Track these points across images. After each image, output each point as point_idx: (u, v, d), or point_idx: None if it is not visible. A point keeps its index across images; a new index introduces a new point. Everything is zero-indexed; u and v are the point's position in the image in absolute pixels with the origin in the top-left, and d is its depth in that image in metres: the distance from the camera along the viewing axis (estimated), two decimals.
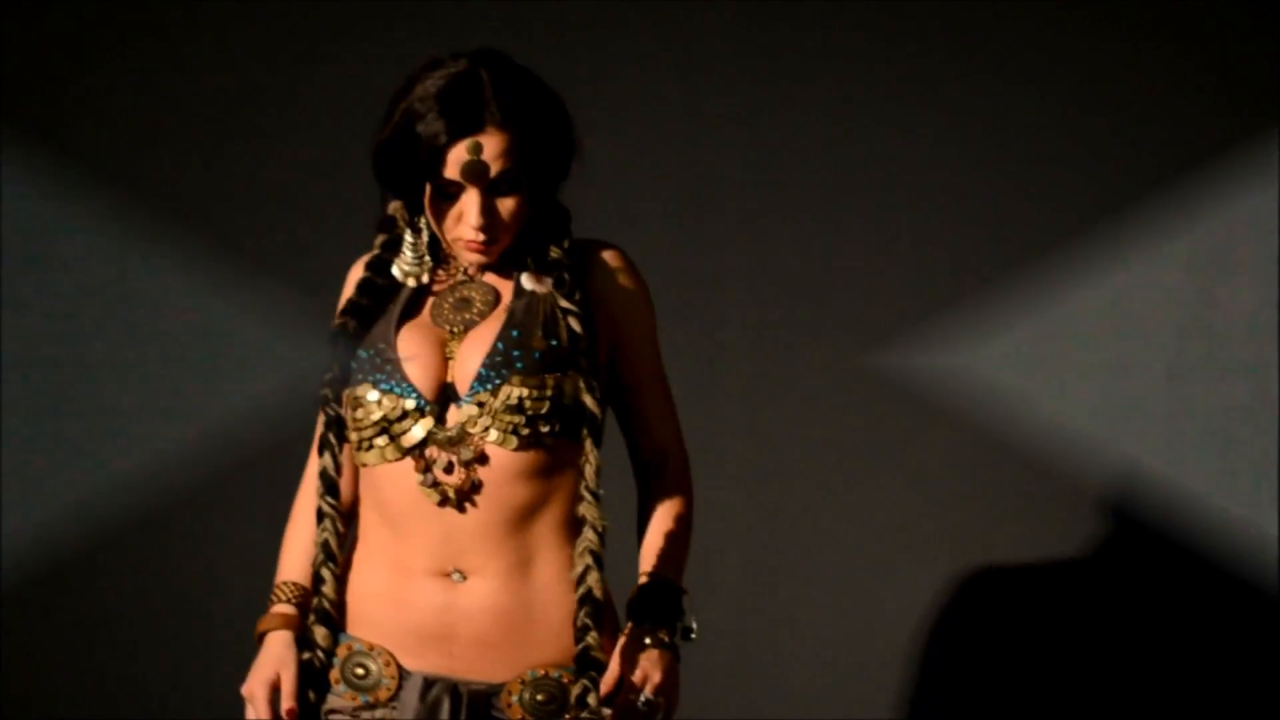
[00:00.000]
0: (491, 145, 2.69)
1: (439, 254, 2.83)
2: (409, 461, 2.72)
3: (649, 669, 2.69)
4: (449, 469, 2.71)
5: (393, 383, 2.74)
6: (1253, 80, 3.83)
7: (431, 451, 2.72)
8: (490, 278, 2.81)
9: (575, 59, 3.91)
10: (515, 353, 2.72)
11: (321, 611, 2.74)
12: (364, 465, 2.76)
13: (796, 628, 3.95)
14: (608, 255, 2.83)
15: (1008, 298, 3.90)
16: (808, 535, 3.95)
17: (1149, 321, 3.84)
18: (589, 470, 2.72)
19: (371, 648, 2.75)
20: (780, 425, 3.97)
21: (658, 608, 2.73)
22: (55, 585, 4.14)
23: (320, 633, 2.74)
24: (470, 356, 2.74)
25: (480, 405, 2.71)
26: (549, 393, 2.71)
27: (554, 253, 2.79)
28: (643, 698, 2.68)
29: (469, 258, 2.78)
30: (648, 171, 4.00)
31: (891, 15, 3.93)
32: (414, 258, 2.80)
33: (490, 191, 2.72)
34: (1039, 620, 3.87)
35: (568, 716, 2.70)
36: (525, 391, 2.71)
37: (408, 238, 2.80)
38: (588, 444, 2.72)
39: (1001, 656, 3.88)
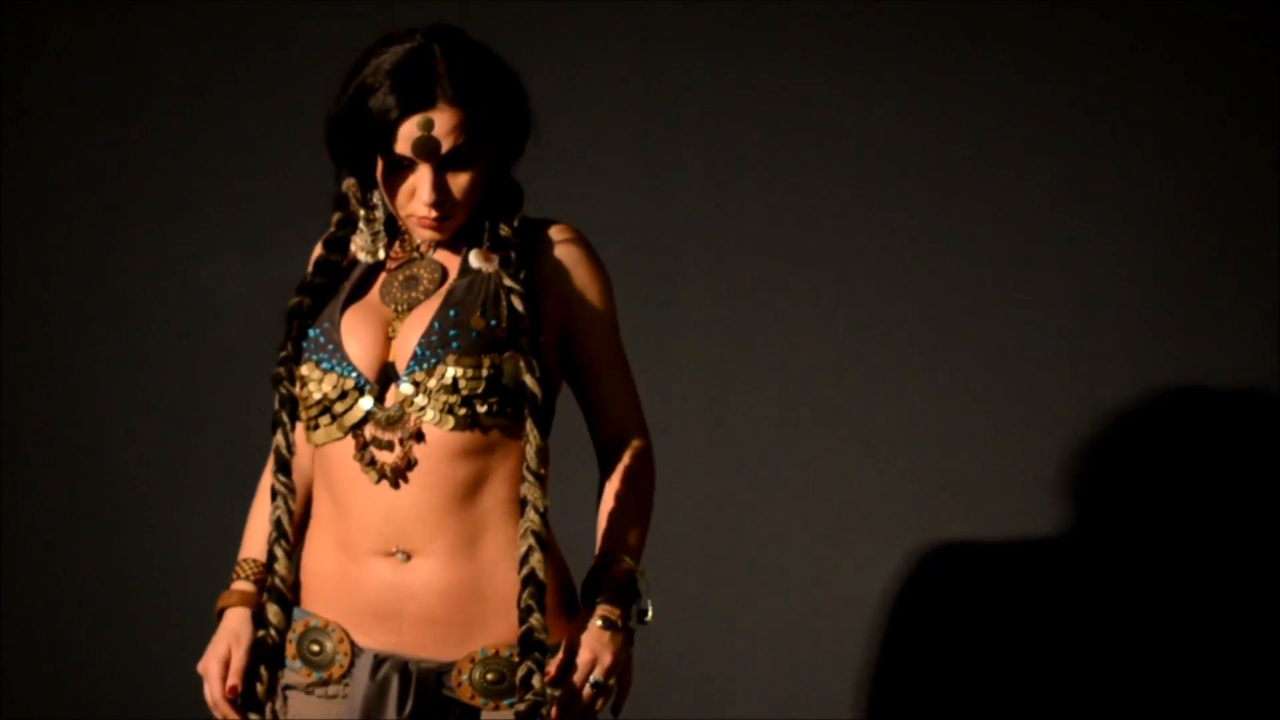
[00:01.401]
0: (443, 121, 2.67)
1: (395, 230, 2.82)
2: (349, 441, 2.72)
3: (598, 650, 2.68)
4: (387, 447, 2.70)
5: (334, 362, 2.73)
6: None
7: (370, 430, 2.71)
8: (440, 255, 2.80)
9: (530, 30, 3.89)
10: (452, 332, 2.70)
11: (274, 589, 2.74)
12: (314, 445, 2.77)
13: (754, 605, 3.93)
14: (559, 234, 2.80)
15: (973, 267, 3.87)
16: (766, 510, 3.93)
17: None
18: (529, 450, 2.69)
19: (326, 624, 2.74)
20: (738, 399, 3.95)
21: (610, 589, 2.71)
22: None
23: (272, 610, 2.74)
24: (409, 336, 2.72)
25: (416, 385, 2.70)
26: (485, 373, 2.69)
27: (504, 230, 2.76)
28: (591, 679, 2.67)
29: (422, 234, 2.76)
30: (605, 144, 3.97)
31: None
32: (369, 234, 2.79)
33: (442, 168, 2.70)
34: (998, 596, 3.85)
35: (515, 697, 2.69)
36: (460, 371, 2.69)
37: (362, 213, 2.79)
38: (529, 424, 2.69)
39: (962, 633, 3.85)
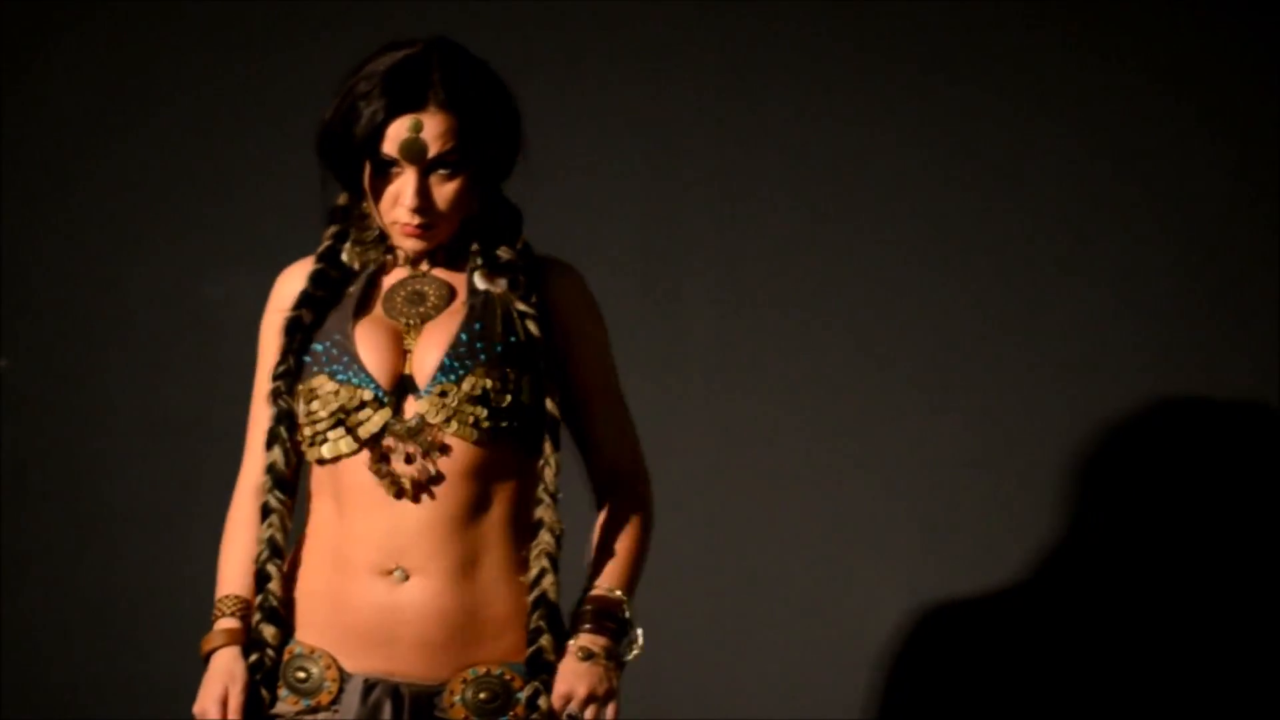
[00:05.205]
0: (433, 125, 2.66)
1: (387, 244, 2.79)
2: (364, 454, 2.69)
3: (574, 683, 2.67)
4: (407, 460, 2.68)
5: (350, 373, 2.70)
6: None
7: (389, 442, 2.68)
8: (442, 273, 2.77)
9: (533, 48, 3.89)
10: (479, 344, 2.69)
11: (268, 609, 2.72)
12: (318, 461, 2.72)
13: (761, 636, 3.90)
14: (559, 271, 2.79)
15: (982, 288, 3.87)
16: (775, 536, 3.90)
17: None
18: (548, 473, 2.70)
19: (312, 651, 2.71)
20: (741, 419, 3.93)
21: (593, 619, 2.71)
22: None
23: (269, 631, 2.71)
24: (430, 348, 2.70)
25: (443, 395, 2.67)
26: (511, 386, 2.68)
27: (505, 254, 2.75)
28: (566, 712, 2.67)
29: (405, 244, 2.74)
30: (611, 163, 3.95)
31: (862, 13, 3.92)
32: (364, 244, 2.78)
33: (428, 174, 2.68)
34: (1011, 626, 3.83)
35: (513, 714, 2.68)
36: (489, 383, 2.68)
37: (354, 227, 2.78)
38: (548, 446, 2.70)
39: (973, 665, 3.84)
